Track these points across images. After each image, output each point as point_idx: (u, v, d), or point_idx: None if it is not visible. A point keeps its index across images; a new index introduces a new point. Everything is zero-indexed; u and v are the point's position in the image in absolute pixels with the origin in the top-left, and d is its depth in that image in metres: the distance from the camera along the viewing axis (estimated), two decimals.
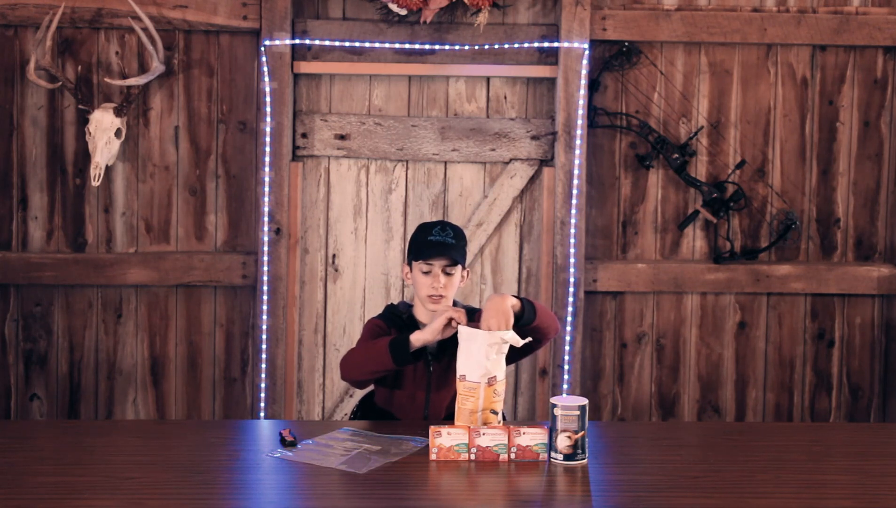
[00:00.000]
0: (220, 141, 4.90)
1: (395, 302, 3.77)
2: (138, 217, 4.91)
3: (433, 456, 3.19)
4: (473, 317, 3.59)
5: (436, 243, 3.58)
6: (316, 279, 4.98)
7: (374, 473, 3.11)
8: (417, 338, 3.45)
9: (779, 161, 4.99)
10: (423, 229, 3.64)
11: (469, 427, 3.20)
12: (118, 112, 4.71)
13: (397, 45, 4.82)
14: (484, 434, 3.19)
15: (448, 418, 3.56)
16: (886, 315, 5.04)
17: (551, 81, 4.91)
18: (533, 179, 4.96)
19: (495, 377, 3.31)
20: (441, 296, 3.57)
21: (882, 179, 5.00)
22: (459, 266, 3.61)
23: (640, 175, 4.98)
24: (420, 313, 3.65)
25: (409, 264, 3.65)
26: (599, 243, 4.98)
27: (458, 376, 3.31)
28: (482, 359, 3.28)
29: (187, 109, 4.89)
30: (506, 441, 3.19)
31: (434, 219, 4.87)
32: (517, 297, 3.44)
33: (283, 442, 3.30)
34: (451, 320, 3.44)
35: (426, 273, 3.59)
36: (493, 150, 4.91)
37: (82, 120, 4.80)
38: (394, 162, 4.95)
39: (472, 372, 3.29)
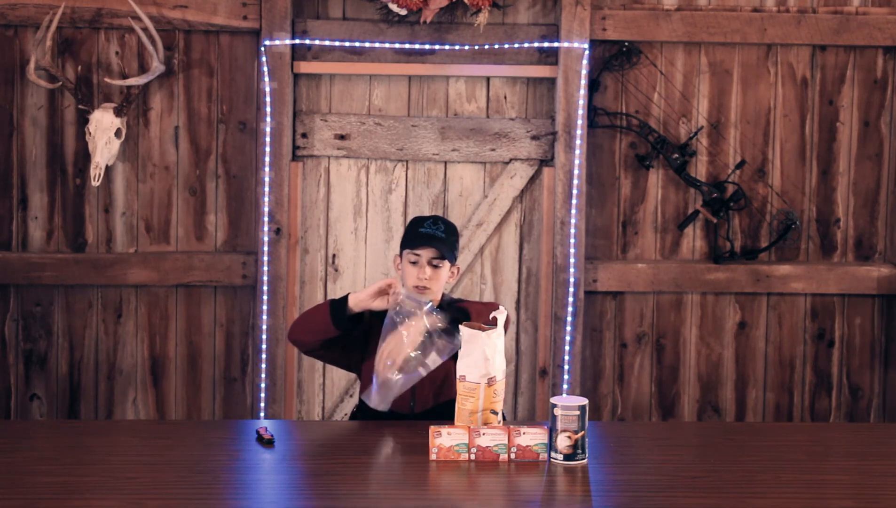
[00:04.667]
0: (220, 141, 4.91)
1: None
2: (138, 217, 4.91)
3: (433, 456, 3.19)
4: (454, 309, 3.60)
5: (426, 234, 3.62)
6: (316, 279, 4.98)
7: (374, 473, 3.11)
8: (355, 299, 3.48)
9: (779, 161, 4.99)
10: (417, 221, 3.69)
11: (469, 427, 3.20)
12: (118, 112, 4.71)
13: (397, 45, 4.82)
14: (484, 434, 3.19)
15: (437, 411, 3.57)
16: (886, 315, 5.04)
17: (551, 81, 4.91)
18: (533, 179, 4.96)
19: (495, 377, 3.31)
20: (426, 288, 3.59)
21: (882, 179, 5.00)
22: (447, 261, 3.63)
23: (640, 175, 4.98)
24: None
25: (401, 254, 3.68)
26: (599, 243, 4.98)
27: (458, 376, 3.31)
28: (481, 360, 3.29)
29: (187, 109, 4.89)
30: (506, 441, 3.19)
31: None
32: None
33: (261, 441, 3.31)
34: (389, 286, 3.44)
35: (413, 263, 3.62)
36: (493, 150, 4.91)
37: (82, 120, 4.80)
38: (394, 162, 4.95)
39: (471, 373, 3.29)
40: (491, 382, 3.30)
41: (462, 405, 3.31)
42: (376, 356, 3.40)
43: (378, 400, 3.41)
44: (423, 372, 3.39)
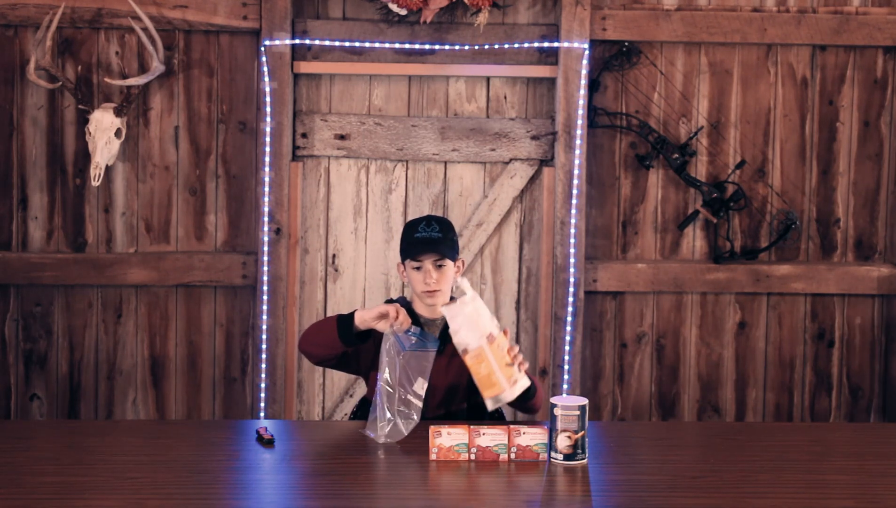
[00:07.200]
0: (220, 141, 4.91)
1: (395, 297, 3.77)
2: (138, 217, 4.91)
3: (433, 456, 3.19)
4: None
5: (422, 239, 3.59)
6: (316, 279, 4.98)
7: (374, 473, 3.11)
8: (360, 318, 3.46)
9: (779, 161, 4.99)
10: (410, 227, 3.65)
11: (469, 427, 3.20)
12: (118, 112, 4.71)
13: (397, 45, 4.82)
14: (484, 434, 3.19)
15: (440, 414, 3.57)
16: (886, 315, 5.04)
17: (551, 81, 4.91)
18: (533, 179, 4.96)
19: (492, 333, 3.31)
20: (436, 290, 3.59)
21: (882, 179, 5.01)
22: (450, 259, 3.62)
23: (640, 175, 4.98)
24: (419, 308, 3.65)
25: (403, 262, 3.66)
26: (599, 243, 4.98)
27: (460, 352, 3.32)
28: (470, 324, 3.29)
29: (187, 109, 4.89)
30: (506, 441, 3.19)
31: None
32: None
33: (261, 441, 3.31)
34: (397, 312, 3.40)
35: (417, 270, 3.60)
36: (493, 150, 4.91)
37: (82, 120, 4.80)
38: (394, 162, 4.95)
39: (470, 341, 3.29)
40: (490, 339, 3.30)
41: (479, 374, 3.29)
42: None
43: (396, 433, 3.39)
44: (418, 401, 3.38)
